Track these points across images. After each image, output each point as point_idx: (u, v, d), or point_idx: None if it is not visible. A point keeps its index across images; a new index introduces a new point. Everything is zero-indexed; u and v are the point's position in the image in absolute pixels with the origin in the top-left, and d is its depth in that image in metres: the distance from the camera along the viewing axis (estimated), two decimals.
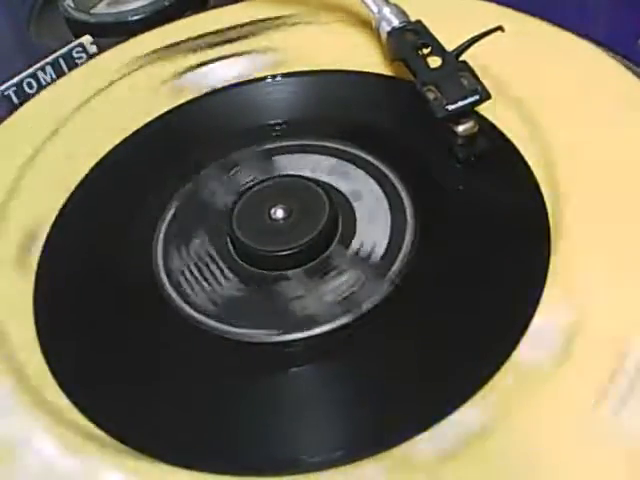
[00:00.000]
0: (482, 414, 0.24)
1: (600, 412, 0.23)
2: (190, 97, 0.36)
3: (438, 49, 0.32)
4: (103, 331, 0.29)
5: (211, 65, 0.37)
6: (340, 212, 0.30)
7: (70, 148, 0.35)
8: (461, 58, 0.31)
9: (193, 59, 0.37)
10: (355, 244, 0.29)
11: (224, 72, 0.37)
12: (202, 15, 0.40)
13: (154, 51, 0.38)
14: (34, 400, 0.27)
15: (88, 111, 0.36)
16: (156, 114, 0.36)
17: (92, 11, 0.44)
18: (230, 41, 0.38)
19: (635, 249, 0.27)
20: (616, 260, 0.27)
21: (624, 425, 0.23)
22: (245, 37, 0.38)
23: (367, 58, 0.36)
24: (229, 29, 0.38)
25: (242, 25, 0.38)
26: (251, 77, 0.36)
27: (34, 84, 0.39)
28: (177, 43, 0.38)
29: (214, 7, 0.41)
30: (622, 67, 0.32)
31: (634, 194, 0.28)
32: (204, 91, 0.36)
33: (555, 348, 0.25)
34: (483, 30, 0.31)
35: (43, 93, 0.38)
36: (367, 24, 0.36)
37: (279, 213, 0.30)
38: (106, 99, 0.37)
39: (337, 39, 0.37)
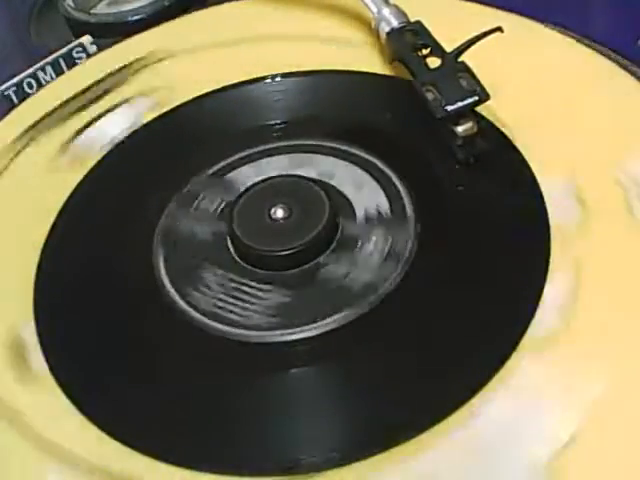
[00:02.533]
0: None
1: None
2: (92, 160, 0.34)
3: (437, 50, 0.32)
4: (103, 330, 0.29)
5: (97, 124, 0.36)
6: (340, 213, 0.30)
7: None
8: (460, 59, 0.31)
9: (75, 123, 0.36)
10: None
11: (112, 126, 0.36)
12: (65, 77, 0.39)
13: (25, 130, 0.36)
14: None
15: None
16: (63, 185, 0.33)
17: (92, 11, 0.44)
18: (103, 95, 0.37)
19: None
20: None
21: None
22: (117, 86, 0.37)
23: (367, 58, 0.35)
24: (97, 83, 0.37)
25: (108, 75, 0.37)
26: (140, 123, 0.35)
27: (34, 84, 0.39)
28: (50, 113, 0.36)
29: (213, 4, 0.41)
30: (617, 66, 0.32)
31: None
32: (104, 150, 0.35)
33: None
34: (482, 31, 0.31)
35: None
36: (367, 24, 0.36)
37: (279, 213, 0.30)
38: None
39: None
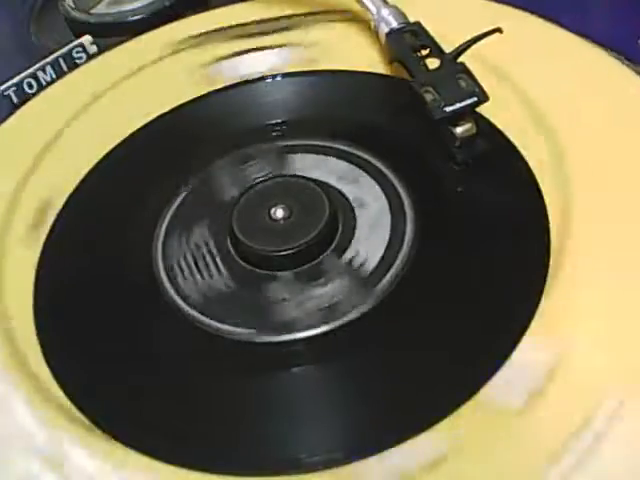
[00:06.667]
0: (446, 442, 0.23)
1: (553, 470, 0.22)
2: (220, 86, 0.37)
3: (436, 50, 0.32)
4: (102, 329, 0.29)
5: (245, 56, 0.37)
6: (340, 215, 0.30)
7: (86, 134, 0.36)
8: (459, 59, 0.31)
9: (227, 48, 0.38)
10: (350, 251, 0.29)
11: (256, 64, 0.37)
12: (235, 7, 0.40)
13: (189, 37, 0.38)
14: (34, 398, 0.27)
15: (117, 93, 0.37)
16: (187, 99, 0.36)
17: (92, 11, 0.44)
18: (266, 33, 0.38)
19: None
20: (616, 277, 0.26)
21: None
22: (282, 30, 0.38)
23: (366, 58, 0.36)
24: (266, 21, 0.38)
25: (280, 18, 0.38)
26: (283, 71, 0.37)
27: (34, 84, 0.39)
28: (212, 31, 0.38)
29: (214, 7, 0.41)
30: (623, 65, 0.32)
31: (636, 195, 0.28)
32: (235, 81, 0.37)
33: (531, 387, 0.24)
34: (482, 31, 0.31)
35: (69, 76, 0.39)
36: (367, 24, 0.36)
37: (279, 213, 0.30)
38: (137, 82, 0.37)
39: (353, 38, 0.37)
